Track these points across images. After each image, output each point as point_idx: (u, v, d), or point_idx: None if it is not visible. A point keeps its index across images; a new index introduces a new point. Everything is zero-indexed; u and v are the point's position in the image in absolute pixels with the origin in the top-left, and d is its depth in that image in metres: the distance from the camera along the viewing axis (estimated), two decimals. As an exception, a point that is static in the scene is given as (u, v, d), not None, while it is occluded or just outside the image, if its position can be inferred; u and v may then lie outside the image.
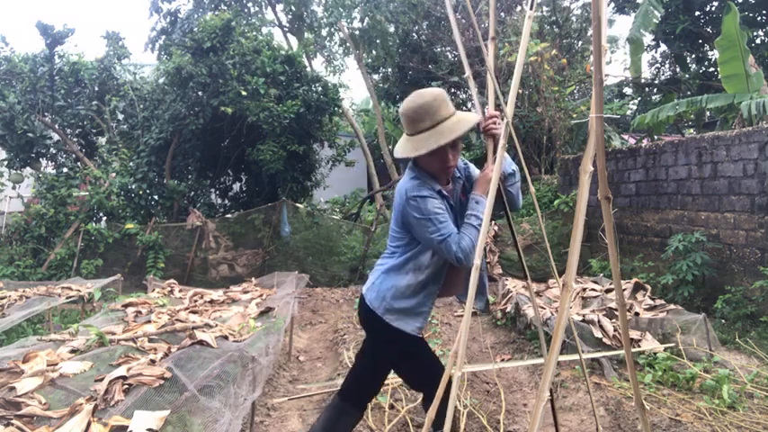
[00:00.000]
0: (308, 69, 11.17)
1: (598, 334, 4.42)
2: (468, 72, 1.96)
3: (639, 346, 4.39)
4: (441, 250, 2.18)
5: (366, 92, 14.22)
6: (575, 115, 10.95)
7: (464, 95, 14.11)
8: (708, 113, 13.00)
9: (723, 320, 5.50)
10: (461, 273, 2.40)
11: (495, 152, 2.08)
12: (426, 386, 2.47)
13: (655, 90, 14.25)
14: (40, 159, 10.50)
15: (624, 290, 5.49)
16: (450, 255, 2.14)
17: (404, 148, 2.23)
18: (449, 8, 1.96)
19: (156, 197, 10.19)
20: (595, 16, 1.32)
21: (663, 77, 14.41)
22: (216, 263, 9.46)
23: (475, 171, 2.56)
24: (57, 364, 3.15)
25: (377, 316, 2.34)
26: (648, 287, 5.56)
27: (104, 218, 9.86)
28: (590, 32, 8.57)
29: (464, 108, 14.02)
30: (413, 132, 2.20)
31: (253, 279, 6.97)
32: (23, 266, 8.58)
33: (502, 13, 12.40)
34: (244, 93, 9.18)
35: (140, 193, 9.86)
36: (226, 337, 3.92)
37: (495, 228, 8.91)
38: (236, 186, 12.20)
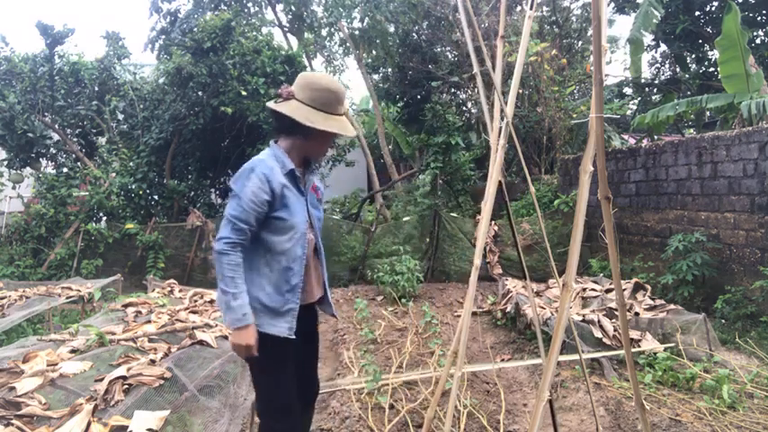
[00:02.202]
0: (308, 69, 11.17)
1: (598, 334, 4.42)
2: (476, 68, 1.96)
3: (639, 346, 4.39)
4: (222, 226, 2.12)
5: (366, 92, 14.22)
6: (575, 115, 10.95)
7: (464, 95, 14.10)
8: (708, 113, 12.99)
9: (723, 320, 5.50)
10: (311, 278, 2.35)
11: None
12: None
13: (655, 90, 14.23)
14: (40, 159, 10.50)
15: (624, 290, 5.49)
16: (219, 233, 2.10)
17: (313, 116, 2.14)
18: (460, 6, 1.96)
19: (156, 197, 10.19)
20: (595, 16, 1.32)
21: (663, 77, 14.40)
22: (216, 263, 9.45)
23: (320, 191, 2.49)
24: (57, 364, 3.15)
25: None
26: (648, 287, 5.56)
27: (104, 218, 9.86)
28: (590, 32, 8.57)
29: (464, 108, 14.03)
30: (326, 110, 2.17)
31: (253, 279, 6.95)
32: (23, 266, 8.58)
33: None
34: (244, 93, 9.18)
35: (140, 193, 9.86)
36: (226, 337, 3.92)
37: (495, 228, 8.91)
38: (237, 186, 12.18)
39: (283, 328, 2.16)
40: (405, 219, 9.57)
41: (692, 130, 14.38)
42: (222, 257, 2.05)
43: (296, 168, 2.24)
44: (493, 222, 8.95)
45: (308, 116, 2.14)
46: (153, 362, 3.21)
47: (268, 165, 2.17)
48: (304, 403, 2.38)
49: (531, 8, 1.81)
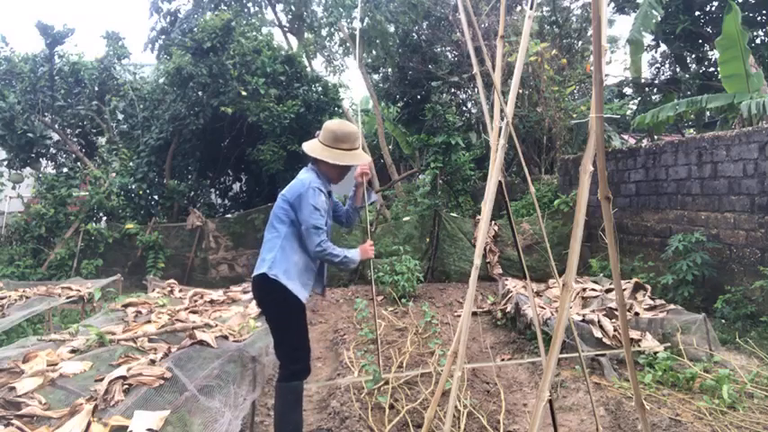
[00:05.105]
0: (308, 69, 11.17)
1: (598, 334, 4.42)
2: (476, 69, 1.96)
3: (639, 346, 4.39)
4: (309, 235, 2.83)
5: (366, 92, 14.25)
6: (575, 115, 10.93)
7: (464, 95, 14.11)
8: (708, 113, 12.97)
9: (723, 320, 5.49)
10: (323, 269, 3.13)
11: (364, 194, 3.33)
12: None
13: (655, 90, 14.23)
14: (40, 159, 10.51)
15: (624, 290, 5.49)
16: (313, 242, 2.83)
17: (322, 151, 2.96)
18: (460, 6, 1.96)
19: (156, 197, 10.19)
20: (595, 16, 1.32)
21: (663, 77, 14.38)
22: (216, 263, 9.45)
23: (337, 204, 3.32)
24: (57, 364, 3.15)
25: (281, 284, 2.85)
26: (648, 287, 5.56)
27: (104, 218, 9.86)
28: (590, 32, 8.57)
29: (464, 108, 14.05)
30: (331, 145, 2.97)
31: (253, 279, 6.95)
32: (23, 266, 8.57)
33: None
34: (244, 93, 9.18)
35: (140, 193, 9.86)
36: (226, 337, 3.92)
37: (495, 228, 8.91)
38: (236, 186, 12.20)
39: (304, 295, 2.94)
40: (405, 219, 9.57)
41: (692, 130, 14.37)
42: (327, 252, 2.84)
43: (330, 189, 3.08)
44: (493, 222, 8.95)
45: (319, 151, 2.96)
46: (153, 362, 3.20)
47: (319, 181, 2.96)
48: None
49: (531, 8, 1.81)
